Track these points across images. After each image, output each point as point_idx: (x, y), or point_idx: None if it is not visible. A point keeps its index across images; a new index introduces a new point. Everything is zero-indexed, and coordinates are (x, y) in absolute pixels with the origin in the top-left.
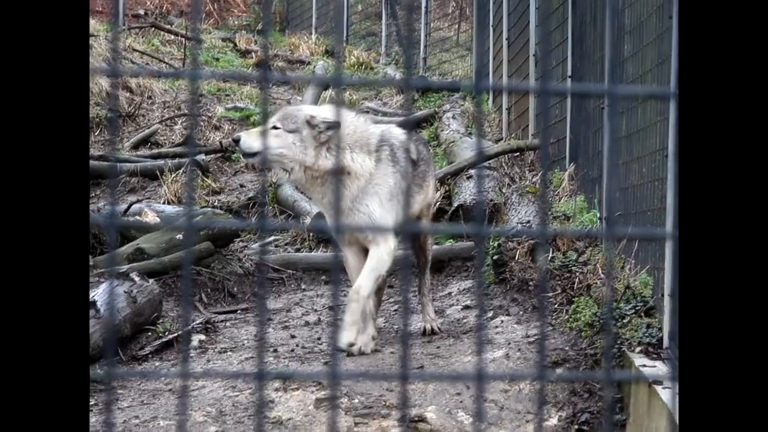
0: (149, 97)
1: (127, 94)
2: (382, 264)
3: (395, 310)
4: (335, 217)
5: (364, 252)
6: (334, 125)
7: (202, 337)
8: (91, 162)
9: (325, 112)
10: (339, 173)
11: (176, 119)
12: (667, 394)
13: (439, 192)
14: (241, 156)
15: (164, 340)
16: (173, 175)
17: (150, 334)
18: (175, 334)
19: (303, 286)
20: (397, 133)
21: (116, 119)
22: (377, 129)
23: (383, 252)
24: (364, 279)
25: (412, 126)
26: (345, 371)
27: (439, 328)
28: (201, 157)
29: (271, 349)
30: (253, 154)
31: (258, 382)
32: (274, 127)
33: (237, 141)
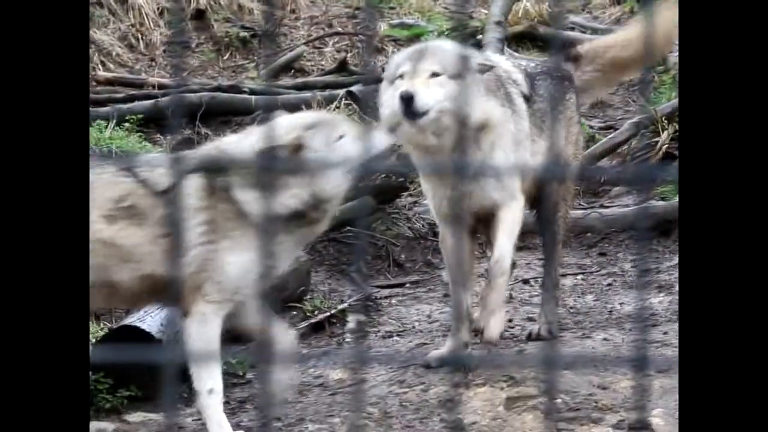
0: (293, 11)
1: (265, 8)
2: (517, 226)
3: (608, 285)
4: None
5: (467, 230)
6: (491, 67)
7: (362, 317)
8: (221, 94)
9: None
10: (482, 127)
11: (326, 39)
12: None
13: (666, 132)
14: (403, 119)
15: (313, 321)
16: (324, 111)
17: (296, 313)
18: (328, 314)
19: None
20: (501, 62)
21: (260, 38)
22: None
23: (516, 211)
24: (505, 247)
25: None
26: (541, 358)
27: (550, 333)
28: (358, 87)
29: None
30: (424, 113)
31: (450, 373)
32: (434, 74)
33: (410, 98)
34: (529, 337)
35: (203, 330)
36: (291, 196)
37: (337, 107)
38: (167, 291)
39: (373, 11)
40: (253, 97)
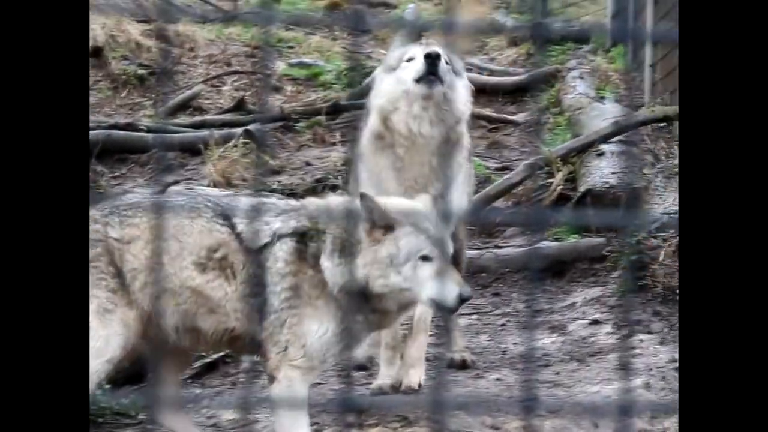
0: (191, 50)
1: (163, 46)
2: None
3: (502, 326)
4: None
5: None
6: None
7: (255, 357)
8: (118, 132)
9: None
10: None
11: (225, 78)
12: None
13: (561, 173)
14: (423, 82)
15: (207, 360)
16: (221, 150)
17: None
18: (222, 353)
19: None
20: None
21: (158, 76)
22: None
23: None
24: None
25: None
26: (432, 399)
27: (472, 361)
28: (256, 126)
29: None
30: (442, 81)
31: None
32: (446, 62)
33: (437, 57)
34: (451, 365)
35: (291, 397)
36: (355, 269)
37: (235, 146)
38: (250, 347)
39: (270, 51)
40: (150, 135)
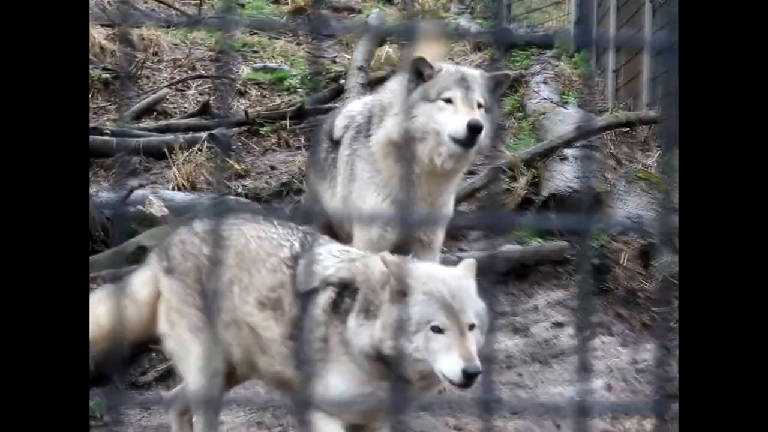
0: (155, 54)
1: (128, 50)
2: None
3: None
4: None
5: None
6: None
7: None
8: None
9: None
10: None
11: (189, 82)
12: None
13: (524, 177)
14: (461, 145)
15: (171, 363)
16: (185, 154)
17: (155, 355)
18: None
19: None
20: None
21: (121, 80)
22: None
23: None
24: None
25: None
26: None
27: None
28: (221, 130)
29: None
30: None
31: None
32: (479, 105)
33: (479, 130)
34: None
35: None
36: (374, 332)
37: (200, 150)
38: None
39: (233, 55)
40: (114, 139)
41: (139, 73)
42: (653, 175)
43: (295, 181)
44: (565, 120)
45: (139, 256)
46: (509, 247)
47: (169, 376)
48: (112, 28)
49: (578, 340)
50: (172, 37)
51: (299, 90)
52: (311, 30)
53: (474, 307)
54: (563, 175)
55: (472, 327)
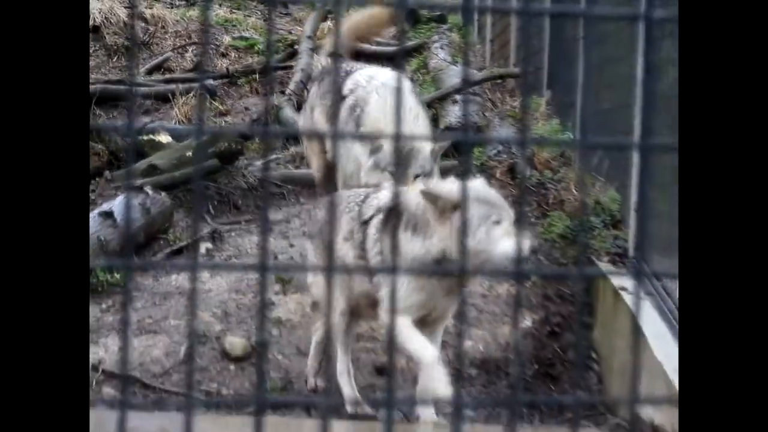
0: (162, 27)
1: (143, 24)
2: None
3: None
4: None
5: None
6: None
7: (209, 245)
8: (110, 86)
9: None
10: None
11: (187, 47)
12: (630, 298)
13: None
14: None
15: (175, 248)
16: (183, 98)
17: (162, 242)
18: (185, 243)
19: (302, 200)
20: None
21: (134, 47)
22: None
23: None
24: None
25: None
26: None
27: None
28: (210, 81)
29: (273, 257)
30: None
31: (261, 281)
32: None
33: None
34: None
35: (399, 331)
36: (432, 245)
37: (194, 95)
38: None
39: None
40: (133, 88)
41: (150, 41)
42: (517, 114)
43: (261, 117)
44: (456, 75)
45: (149, 172)
46: None
47: (172, 257)
48: (132, 8)
49: None
50: (174, 15)
51: (265, 53)
52: (267, 2)
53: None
54: (454, 113)
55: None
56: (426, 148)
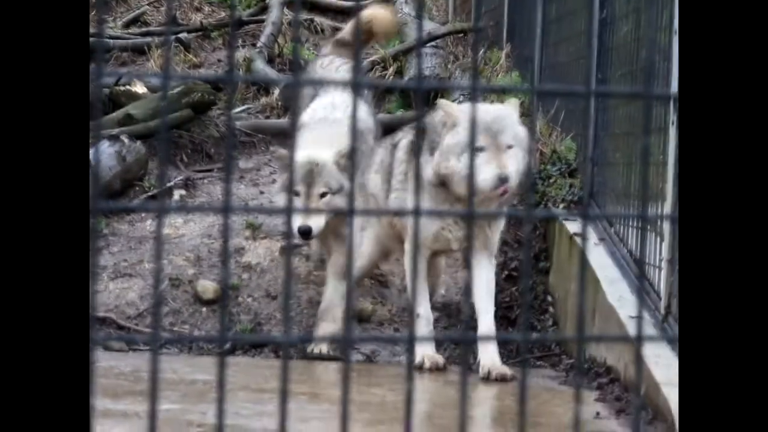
0: None
1: None
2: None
3: None
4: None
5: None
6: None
7: (183, 192)
8: (91, 39)
9: None
10: None
11: (162, 2)
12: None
13: (392, 67)
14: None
15: (150, 194)
16: (159, 51)
17: (137, 189)
18: (159, 189)
19: (271, 149)
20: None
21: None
22: None
23: None
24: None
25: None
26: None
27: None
28: (183, 34)
29: (242, 203)
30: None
31: (224, 223)
32: (509, 146)
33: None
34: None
35: (409, 266)
36: (430, 167)
37: (169, 48)
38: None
39: None
40: (112, 41)
41: None
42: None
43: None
44: (420, 29)
45: (125, 122)
46: (381, 116)
47: (148, 203)
48: None
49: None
50: None
51: (238, 7)
52: None
53: (512, 130)
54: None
55: (510, 147)
56: (329, 163)
